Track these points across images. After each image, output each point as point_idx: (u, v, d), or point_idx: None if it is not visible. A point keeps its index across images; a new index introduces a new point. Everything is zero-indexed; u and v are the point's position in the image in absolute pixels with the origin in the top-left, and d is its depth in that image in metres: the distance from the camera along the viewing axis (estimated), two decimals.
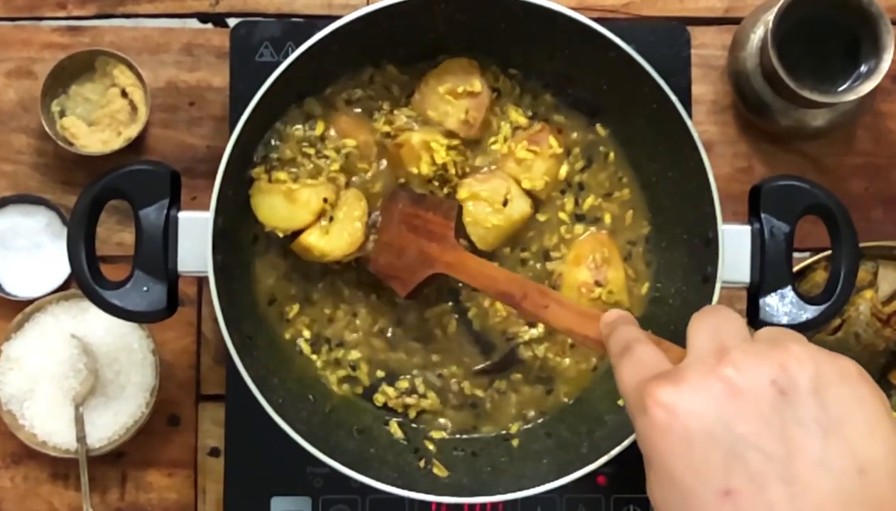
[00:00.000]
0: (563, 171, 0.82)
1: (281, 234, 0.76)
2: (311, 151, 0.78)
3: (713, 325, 0.47)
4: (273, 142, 0.78)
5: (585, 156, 0.83)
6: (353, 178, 0.80)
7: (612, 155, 0.83)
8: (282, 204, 0.75)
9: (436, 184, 0.79)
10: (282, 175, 0.77)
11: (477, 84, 0.80)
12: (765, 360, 0.43)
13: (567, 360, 0.82)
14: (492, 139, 0.81)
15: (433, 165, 0.78)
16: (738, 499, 0.41)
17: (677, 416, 0.43)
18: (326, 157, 0.79)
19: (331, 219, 0.77)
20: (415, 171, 0.79)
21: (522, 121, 0.81)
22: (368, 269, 0.79)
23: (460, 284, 0.80)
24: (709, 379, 0.43)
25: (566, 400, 0.82)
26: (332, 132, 0.80)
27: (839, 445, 0.41)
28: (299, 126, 0.79)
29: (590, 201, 0.82)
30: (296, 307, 0.81)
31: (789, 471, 0.41)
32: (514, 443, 0.82)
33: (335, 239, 0.76)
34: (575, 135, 0.82)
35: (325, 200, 0.76)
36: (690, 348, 0.47)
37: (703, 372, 0.44)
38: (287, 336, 0.81)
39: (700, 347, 0.46)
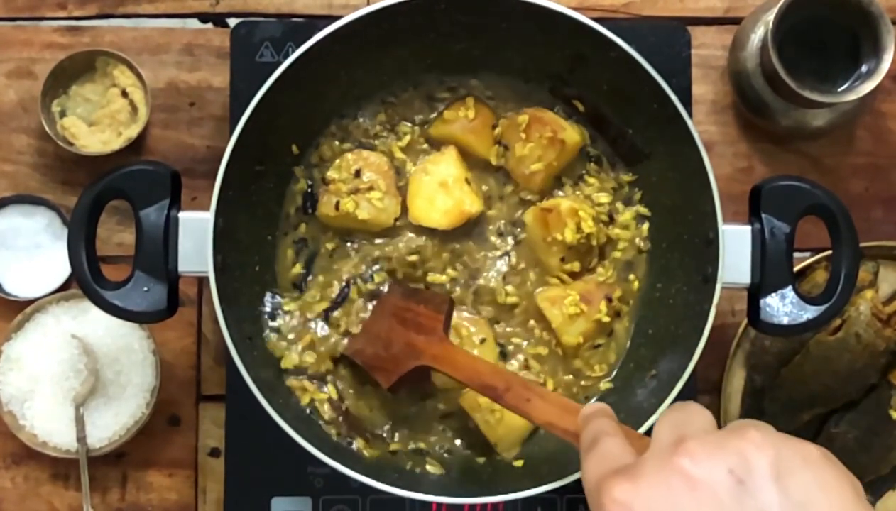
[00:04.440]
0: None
1: None
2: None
3: (677, 419, 0.46)
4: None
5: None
6: None
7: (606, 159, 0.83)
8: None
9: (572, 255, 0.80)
10: None
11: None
12: (722, 450, 0.42)
13: None
14: None
15: (578, 233, 0.79)
16: None
17: None
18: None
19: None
20: (559, 237, 0.79)
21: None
22: (354, 360, 0.79)
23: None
24: (665, 471, 0.42)
25: None
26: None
27: None
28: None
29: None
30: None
31: None
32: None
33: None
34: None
35: None
36: (653, 441, 0.46)
37: (659, 465, 0.43)
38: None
39: (661, 440, 0.45)
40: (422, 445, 0.81)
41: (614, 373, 0.82)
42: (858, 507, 0.41)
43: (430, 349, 0.74)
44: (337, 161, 0.81)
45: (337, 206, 0.80)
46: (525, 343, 0.82)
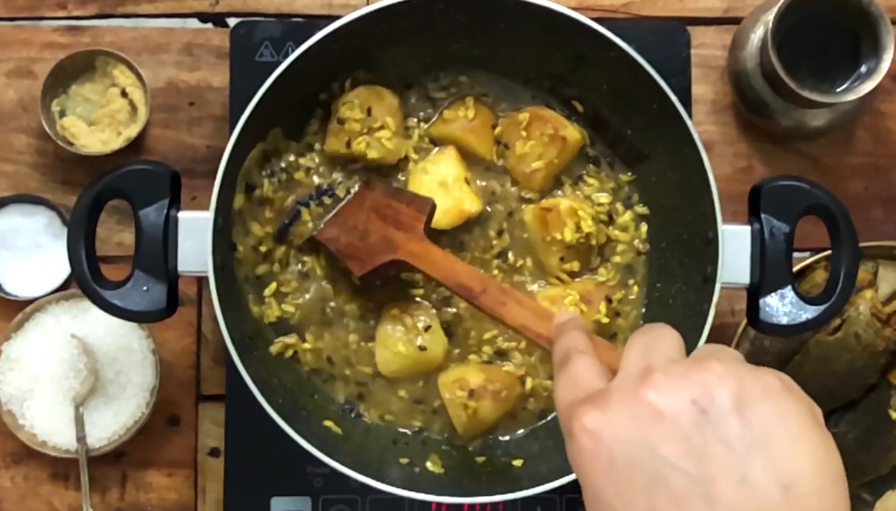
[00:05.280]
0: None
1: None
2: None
3: (644, 344, 0.48)
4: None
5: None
6: None
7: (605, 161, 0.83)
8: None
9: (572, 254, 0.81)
10: None
11: None
12: (685, 380, 0.43)
13: None
14: None
15: (578, 232, 0.79)
16: None
17: (602, 441, 0.43)
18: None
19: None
20: (558, 237, 0.79)
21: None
22: (327, 245, 0.79)
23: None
24: (631, 402, 0.43)
25: None
26: None
27: (762, 462, 0.41)
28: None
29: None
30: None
31: (711, 490, 0.41)
32: (514, 443, 0.82)
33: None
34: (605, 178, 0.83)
35: None
36: (621, 368, 0.47)
37: (626, 395, 0.44)
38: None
39: (628, 367, 0.47)
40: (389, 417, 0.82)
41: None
42: (817, 433, 0.42)
43: (408, 245, 0.75)
44: (350, 96, 0.80)
45: (349, 145, 0.80)
46: (522, 344, 0.82)
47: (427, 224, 0.76)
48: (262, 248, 0.80)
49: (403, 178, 0.82)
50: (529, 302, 0.67)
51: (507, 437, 0.82)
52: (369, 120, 0.80)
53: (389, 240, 0.76)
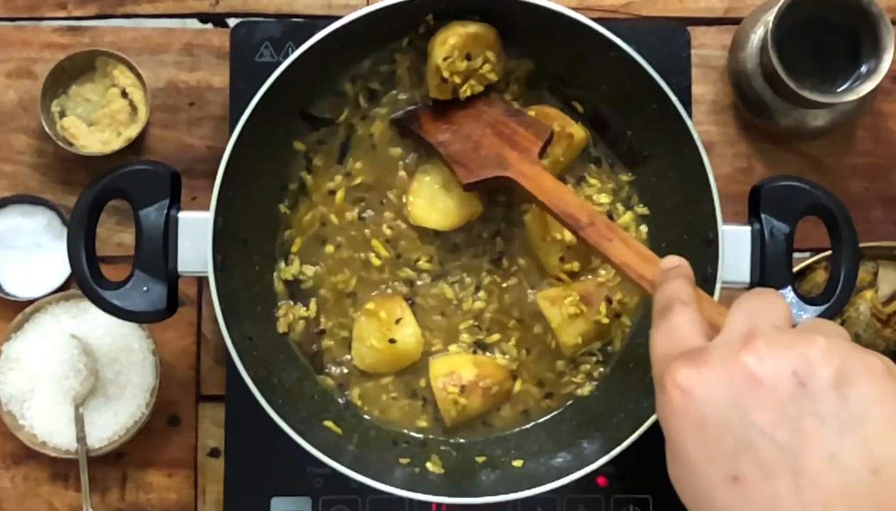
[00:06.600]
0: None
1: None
2: None
3: (751, 309, 0.47)
4: None
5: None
6: None
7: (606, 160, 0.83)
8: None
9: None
10: None
11: None
12: (788, 351, 0.43)
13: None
14: None
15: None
16: (744, 485, 0.41)
17: (693, 399, 0.43)
18: None
19: None
20: (558, 237, 0.80)
21: None
22: (432, 144, 0.79)
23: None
24: (729, 365, 0.43)
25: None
26: None
27: (855, 442, 0.40)
28: None
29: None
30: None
31: (799, 462, 0.40)
32: (514, 443, 0.82)
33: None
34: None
35: None
36: (725, 328, 0.47)
37: (725, 357, 0.44)
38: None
39: (732, 329, 0.46)
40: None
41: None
42: None
43: (520, 165, 0.75)
44: (448, 49, 0.77)
45: (454, 92, 0.79)
46: (513, 341, 0.82)
47: (542, 150, 0.76)
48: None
49: (399, 195, 0.82)
50: (635, 243, 0.66)
51: (506, 436, 0.82)
52: (471, 63, 0.78)
53: (502, 157, 0.76)
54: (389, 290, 0.81)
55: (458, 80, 0.78)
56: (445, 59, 0.77)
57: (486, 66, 0.79)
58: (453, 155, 0.78)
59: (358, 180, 0.82)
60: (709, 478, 0.42)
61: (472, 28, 0.77)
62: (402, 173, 0.82)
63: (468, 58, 0.78)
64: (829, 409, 0.41)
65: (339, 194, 0.82)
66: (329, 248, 0.81)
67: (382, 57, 0.81)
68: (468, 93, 0.79)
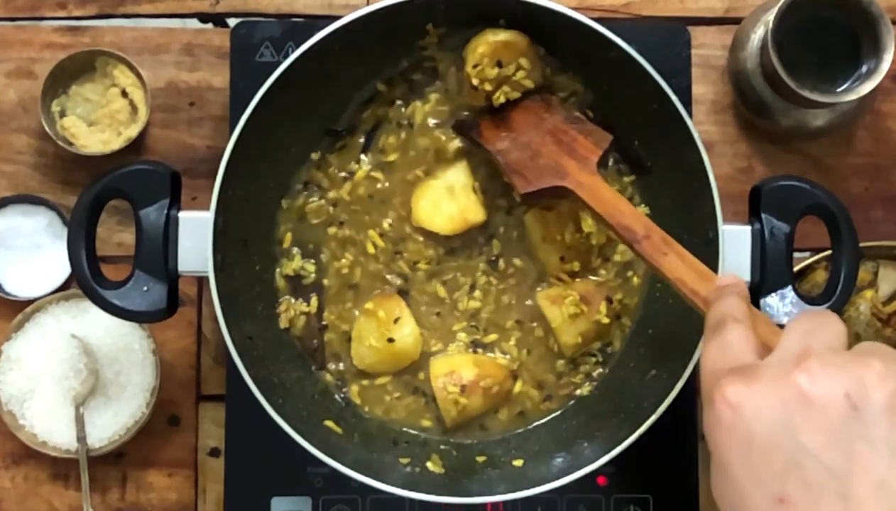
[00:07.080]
0: None
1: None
2: None
3: (806, 329, 0.46)
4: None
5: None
6: None
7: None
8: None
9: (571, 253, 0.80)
10: None
11: None
12: (842, 372, 0.42)
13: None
14: None
15: (578, 232, 0.79)
16: (790, 507, 0.41)
17: (742, 416, 0.42)
18: None
19: None
20: (558, 237, 0.79)
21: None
22: (491, 154, 0.78)
23: None
24: (781, 383, 0.42)
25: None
26: None
27: None
28: None
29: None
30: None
31: (847, 487, 0.40)
32: (514, 443, 0.82)
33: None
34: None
35: None
36: (778, 347, 0.46)
37: (777, 375, 0.43)
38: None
39: (786, 348, 0.45)
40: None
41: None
42: None
43: (578, 175, 0.74)
44: (478, 57, 0.77)
45: (488, 98, 0.79)
46: (513, 341, 0.82)
47: (602, 159, 0.76)
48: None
49: (400, 210, 0.82)
50: (691, 258, 0.66)
51: (507, 436, 0.82)
52: (502, 71, 0.78)
53: (561, 166, 0.75)
54: (388, 286, 0.81)
55: (489, 87, 0.78)
56: (475, 66, 0.77)
57: (521, 73, 0.78)
58: (512, 164, 0.77)
59: (392, 157, 0.82)
60: (754, 497, 0.42)
61: (501, 36, 0.77)
62: (418, 172, 0.82)
63: (499, 65, 0.77)
64: (881, 435, 0.40)
65: (360, 172, 0.81)
66: (332, 230, 0.81)
67: (416, 57, 0.81)
68: (501, 99, 0.79)
